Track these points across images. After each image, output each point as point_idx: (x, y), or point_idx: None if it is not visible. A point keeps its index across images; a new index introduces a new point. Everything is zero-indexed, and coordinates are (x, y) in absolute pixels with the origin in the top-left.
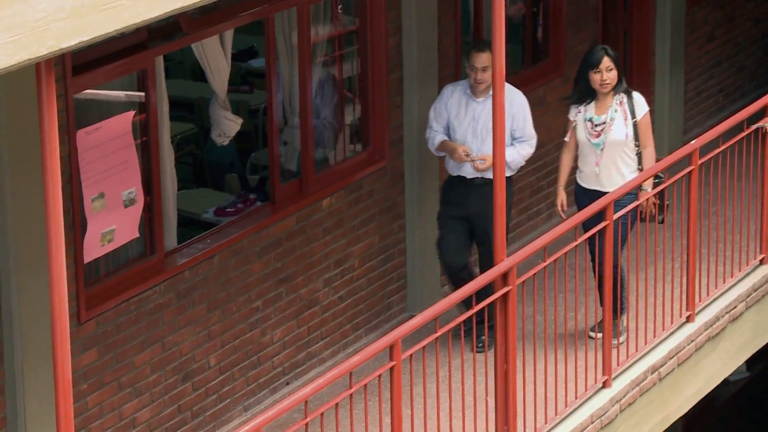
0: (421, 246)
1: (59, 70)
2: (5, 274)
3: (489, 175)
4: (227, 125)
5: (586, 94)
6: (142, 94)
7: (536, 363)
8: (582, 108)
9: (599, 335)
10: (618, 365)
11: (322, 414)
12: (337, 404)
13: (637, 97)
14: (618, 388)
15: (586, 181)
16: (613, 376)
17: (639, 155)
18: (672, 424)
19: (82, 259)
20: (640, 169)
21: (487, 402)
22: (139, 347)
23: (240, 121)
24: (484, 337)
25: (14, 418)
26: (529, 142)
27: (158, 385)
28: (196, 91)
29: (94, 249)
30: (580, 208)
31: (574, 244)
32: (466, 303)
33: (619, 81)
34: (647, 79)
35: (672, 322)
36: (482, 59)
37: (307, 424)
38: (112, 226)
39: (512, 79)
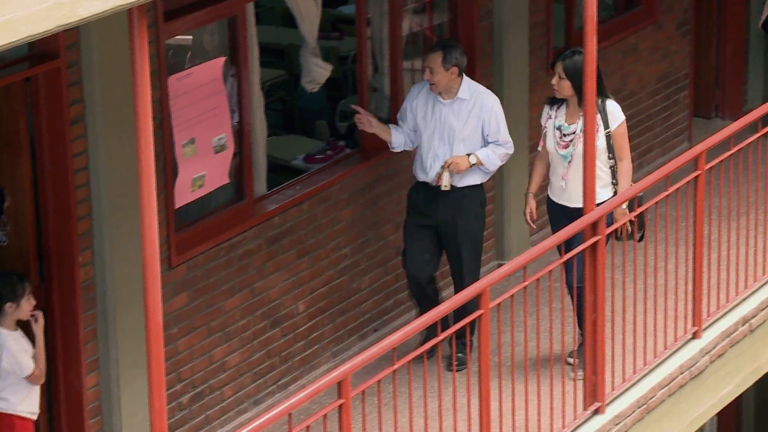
0: (511, 194)
1: (151, 16)
2: (98, 218)
3: (459, 181)
4: (317, 72)
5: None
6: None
7: (625, 314)
8: (553, 113)
9: (578, 360)
10: (708, 316)
11: (410, 361)
12: (425, 352)
13: (611, 106)
14: (708, 339)
15: (555, 195)
16: (703, 327)
17: (613, 169)
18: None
19: (172, 205)
20: (614, 183)
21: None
22: (228, 292)
23: (330, 67)
24: (461, 355)
25: (106, 361)
26: (505, 145)
27: (247, 330)
28: (287, 38)
29: (184, 194)
30: (552, 221)
31: (558, 261)
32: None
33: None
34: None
35: (764, 274)
36: (429, 58)
37: (395, 371)
38: (203, 172)
39: (604, 27)
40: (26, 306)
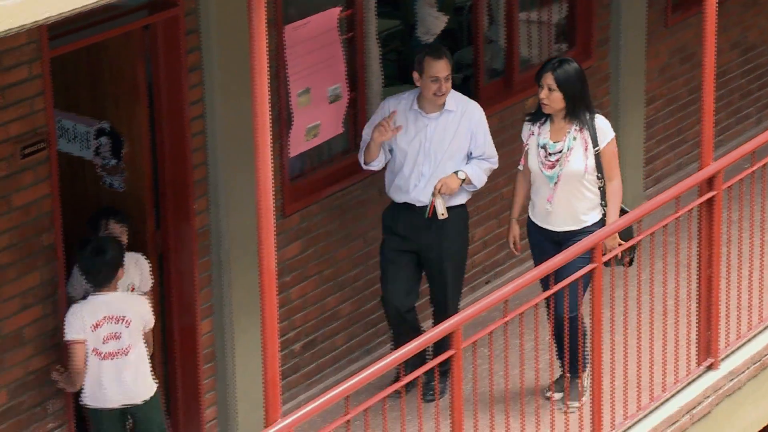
0: (625, 144)
1: None
2: (213, 167)
3: (461, 200)
4: (432, 22)
5: (541, 112)
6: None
7: (741, 269)
8: (536, 129)
9: (556, 395)
10: None
11: (521, 314)
12: (536, 305)
13: (601, 123)
14: None
15: (538, 218)
16: None
17: (602, 189)
18: None
19: (287, 154)
20: (603, 205)
21: (689, 307)
22: (341, 242)
23: (445, 18)
24: (433, 383)
25: (220, 308)
26: (490, 160)
27: (360, 279)
28: None
29: (299, 143)
30: (532, 245)
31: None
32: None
33: (580, 106)
34: None
35: None
36: (443, 67)
37: (506, 323)
38: (317, 122)
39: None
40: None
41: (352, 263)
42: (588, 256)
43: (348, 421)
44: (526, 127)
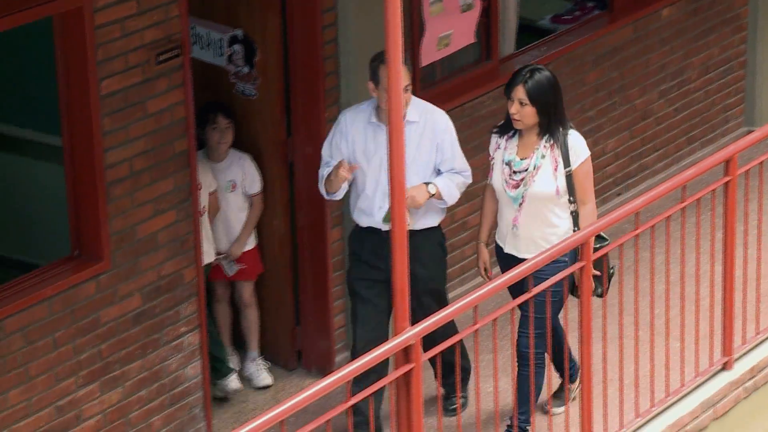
0: (762, 60)
1: None
2: (345, 75)
3: (413, 224)
4: None
5: (510, 123)
6: None
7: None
8: (503, 143)
9: (555, 410)
10: None
11: (652, 226)
12: (668, 217)
13: (574, 140)
14: None
15: (503, 241)
16: None
17: (574, 214)
18: None
19: (419, 62)
20: (576, 231)
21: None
22: (472, 151)
23: None
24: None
25: (349, 216)
26: (463, 174)
27: None
28: None
29: (430, 53)
30: (503, 270)
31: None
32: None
33: (554, 121)
34: None
35: None
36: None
37: (637, 236)
38: (449, 31)
39: None
40: (212, 136)
41: (483, 174)
42: (559, 289)
43: (476, 331)
44: (493, 139)
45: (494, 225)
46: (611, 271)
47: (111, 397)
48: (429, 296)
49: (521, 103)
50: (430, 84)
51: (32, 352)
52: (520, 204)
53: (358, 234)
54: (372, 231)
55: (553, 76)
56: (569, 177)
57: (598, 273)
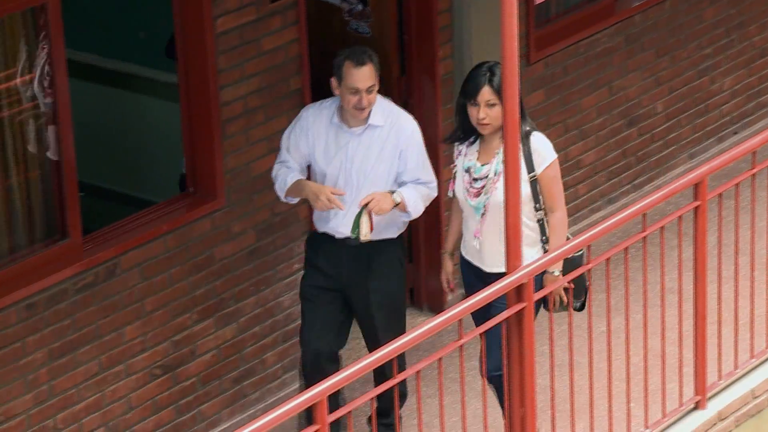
0: None
1: None
2: (458, 12)
3: (393, 233)
4: None
5: (470, 129)
6: None
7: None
8: (464, 149)
9: None
10: None
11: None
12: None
13: (538, 142)
14: None
15: (469, 253)
16: None
17: (542, 223)
18: None
19: (533, 0)
20: (545, 241)
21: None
22: (586, 90)
23: None
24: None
25: None
26: (429, 185)
27: (604, 128)
28: None
29: None
30: (465, 284)
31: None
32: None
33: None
34: None
35: None
36: (365, 76)
37: (754, 175)
38: None
39: None
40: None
41: (597, 112)
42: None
43: (589, 270)
44: (456, 148)
45: (460, 235)
46: (587, 283)
47: (225, 333)
48: (382, 311)
49: (489, 105)
50: (545, 21)
51: (148, 288)
52: (483, 214)
53: (313, 239)
54: (328, 238)
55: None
56: (534, 183)
57: (572, 285)
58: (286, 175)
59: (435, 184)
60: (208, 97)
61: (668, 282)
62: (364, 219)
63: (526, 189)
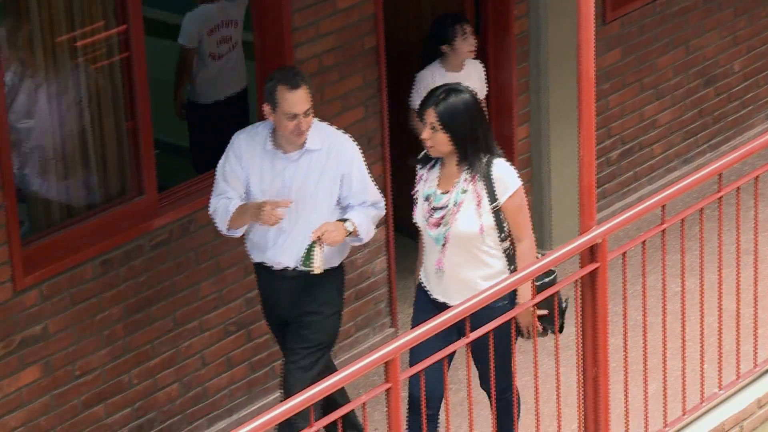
0: None
1: None
2: None
3: (336, 262)
4: None
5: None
6: None
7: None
8: (425, 174)
9: None
10: None
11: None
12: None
13: (500, 170)
14: None
15: (430, 283)
16: None
17: (509, 252)
18: None
19: None
20: (513, 271)
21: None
22: (662, 49)
23: None
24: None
25: (537, 114)
26: (377, 206)
27: (680, 88)
28: None
29: None
30: (418, 309)
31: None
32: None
33: (473, 149)
34: None
35: None
36: (300, 99)
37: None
38: None
39: None
40: (463, 47)
41: (673, 71)
42: (497, 342)
43: (663, 231)
44: (418, 171)
45: None
46: (564, 305)
47: None
48: (310, 347)
49: (433, 128)
50: None
51: (222, 245)
52: (443, 245)
53: (256, 270)
54: (265, 268)
55: (473, 98)
56: (497, 213)
57: (545, 312)
58: (227, 205)
59: (383, 203)
60: (282, 56)
61: (744, 243)
62: (317, 250)
63: (489, 219)
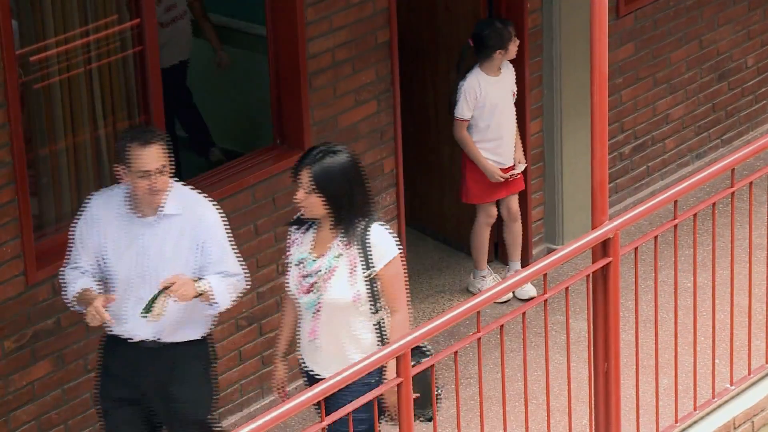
0: None
1: None
2: None
3: (171, 335)
4: None
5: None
6: None
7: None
8: (298, 237)
9: None
10: None
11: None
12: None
13: (378, 236)
14: None
15: (305, 354)
16: None
17: (379, 325)
18: None
19: None
20: (385, 344)
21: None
22: (676, 44)
23: None
24: None
25: (550, 108)
26: (236, 278)
27: (693, 83)
28: None
29: None
30: (306, 380)
31: None
32: None
33: (349, 213)
34: None
35: None
36: (153, 156)
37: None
38: None
39: None
40: (513, 49)
41: (686, 65)
42: (364, 416)
43: (675, 226)
44: (290, 231)
45: (293, 334)
46: (438, 390)
47: None
48: (185, 424)
49: (306, 190)
50: None
51: (234, 239)
52: (315, 313)
53: (107, 343)
54: (123, 342)
55: (352, 160)
56: (372, 281)
57: (416, 395)
58: (74, 281)
59: (243, 276)
60: (296, 50)
61: (756, 238)
62: (160, 301)
63: (363, 288)
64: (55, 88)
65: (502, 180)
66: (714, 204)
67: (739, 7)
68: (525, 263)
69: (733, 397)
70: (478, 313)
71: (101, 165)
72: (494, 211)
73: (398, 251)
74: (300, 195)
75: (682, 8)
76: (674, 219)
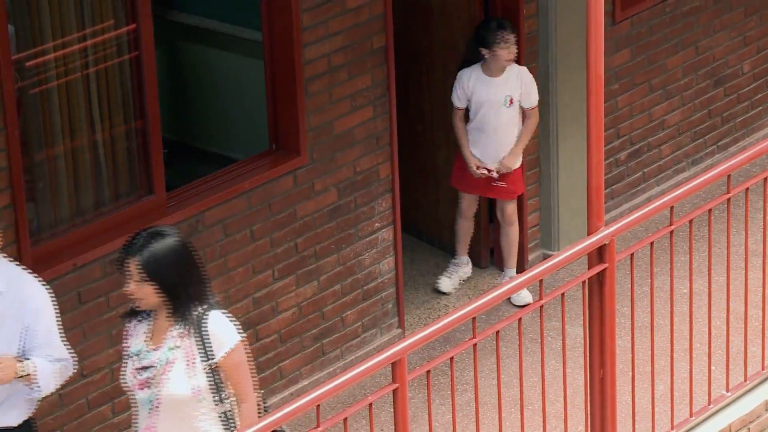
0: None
1: None
2: None
3: (14, 419)
4: None
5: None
6: None
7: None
8: (136, 328)
9: None
10: None
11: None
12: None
13: (216, 324)
14: None
15: None
16: None
17: (225, 416)
18: None
19: None
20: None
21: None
22: (671, 50)
23: None
24: None
25: (546, 112)
26: (64, 362)
27: (689, 89)
28: None
29: None
30: None
31: None
32: None
33: (184, 299)
34: None
35: None
36: None
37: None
38: None
39: None
40: (502, 53)
41: (682, 71)
42: None
43: (671, 232)
44: (125, 323)
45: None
46: None
47: (306, 291)
48: None
49: (136, 281)
50: None
51: (230, 245)
52: (153, 409)
53: None
54: None
55: (181, 241)
56: (213, 372)
57: None
58: None
59: (71, 361)
60: (291, 55)
61: (752, 244)
62: None
63: (201, 380)
64: (51, 92)
65: (479, 174)
66: (710, 210)
67: (735, 13)
68: (521, 269)
69: (729, 404)
70: (474, 319)
71: (98, 170)
72: (467, 205)
73: (239, 338)
74: (131, 287)
75: (678, 14)
76: (670, 225)
